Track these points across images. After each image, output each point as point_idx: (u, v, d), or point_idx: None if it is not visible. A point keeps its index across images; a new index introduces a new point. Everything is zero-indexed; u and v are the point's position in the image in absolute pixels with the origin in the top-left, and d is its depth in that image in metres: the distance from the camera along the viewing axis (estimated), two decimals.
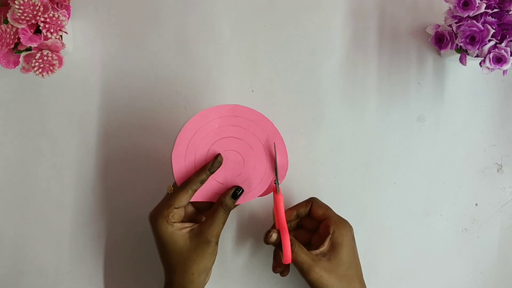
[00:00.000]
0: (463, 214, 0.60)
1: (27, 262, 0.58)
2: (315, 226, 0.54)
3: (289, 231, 0.54)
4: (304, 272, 0.49)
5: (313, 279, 0.48)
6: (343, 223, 0.52)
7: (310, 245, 0.53)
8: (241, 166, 0.51)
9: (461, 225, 0.60)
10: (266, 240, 0.50)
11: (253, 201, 0.57)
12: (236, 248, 0.59)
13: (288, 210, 0.54)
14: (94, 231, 0.58)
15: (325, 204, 0.54)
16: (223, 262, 0.58)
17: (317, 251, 0.50)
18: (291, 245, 0.49)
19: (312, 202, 0.54)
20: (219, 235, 0.49)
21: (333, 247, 0.50)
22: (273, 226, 0.52)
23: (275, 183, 0.51)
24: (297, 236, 0.54)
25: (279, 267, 0.53)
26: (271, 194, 0.53)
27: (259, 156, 0.51)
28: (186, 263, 0.48)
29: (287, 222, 0.53)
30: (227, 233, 0.58)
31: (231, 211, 0.51)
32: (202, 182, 0.50)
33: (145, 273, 0.58)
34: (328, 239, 0.51)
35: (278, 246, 0.50)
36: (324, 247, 0.50)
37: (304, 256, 0.49)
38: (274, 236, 0.50)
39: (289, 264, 0.52)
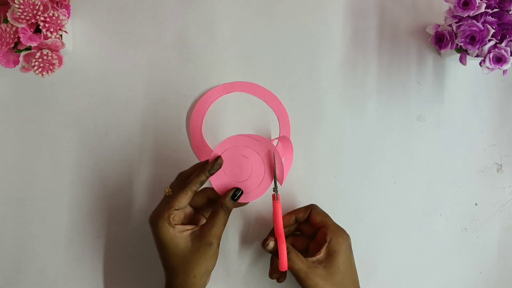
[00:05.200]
0: (462, 214, 0.60)
1: (26, 261, 0.58)
2: (313, 232, 0.54)
3: (288, 236, 0.55)
4: (300, 279, 0.49)
5: (309, 286, 0.49)
6: (341, 232, 0.52)
7: (307, 251, 0.54)
8: (243, 171, 0.52)
9: (461, 224, 0.60)
10: (264, 247, 0.51)
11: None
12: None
13: (287, 215, 0.54)
14: (94, 230, 0.58)
15: (324, 212, 0.54)
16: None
17: (314, 258, 0.50)
18: (288, 253, 0.49)
19: (311, 208, 0.54)
20: (221, 237, 0.49)
21: (330, 255, 0.51)
22: (272, 232, 0.52)
23: (274, 190, 0.51)
24: (295, 242, 0.55)
25: (276, 273, 0.53)
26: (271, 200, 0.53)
27: (259, 165, 0.52)
28: (188, 265, 0.48)
29: (286, 226, 0.54)
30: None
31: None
32: (202, 183, 0.50)
33: (145, 273, 0.58)
34: (324, 247, 0.51)
35: (275, 253, 0.51)
36: (321, 254, 0.51)
37: (300, 263, 0.49)
38: (271, 244, 0.51)
39: (285, 273, 0.52)
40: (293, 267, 0.49)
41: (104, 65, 0.60)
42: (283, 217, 0.54)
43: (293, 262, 0.49)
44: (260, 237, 0.58)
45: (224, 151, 0.51)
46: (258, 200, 0.58)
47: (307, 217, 0.54)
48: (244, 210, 0.58)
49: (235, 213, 0.58)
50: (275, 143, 0.59)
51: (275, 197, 0.51)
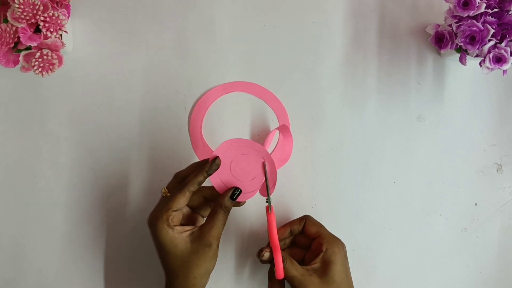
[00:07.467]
0: (462, 214, 0.60)
1: (26, 261, 0.58)
2: (308, 243, 0.54)
3: (284, 249, 0.55)
4: (295, 287, 0.49)
5: None
6: (336, 242, 0.52)
7: (303, 263, 0.54)
8: (243, 170, 0.51)
9: (461, 224, 0.60)
10: (259, 258, 0.51)
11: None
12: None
13: (282, 228, 0.54)
14: (94, 230, 0.58)
15: (318, 222, 0.54)
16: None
17: (309, 267, 0.51)
18: (283, 261, 0.49)
19: (305, 219, 0.54)
20: (220, 237, 0.49)
21: (325, 265, 0.51)
22: (268, 244, 0.52)
23: (266, 201, 0.51)
24: (291, 253, 0.54)
25: (274, 286, 0.53)
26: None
27: (258, 164, 0.51)
28: (188, 267, 0.48)
29: (281, 240, 0.54)
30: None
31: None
32: (200, 184, 0.50)
33: (144, 273, 0.58)
34: (320, 257, 0.51)
35: (271, 263, 0.51)
36: (316, 264, 0.51)
37: (294, 271, 0.49)
38: (266, 254, 0.51)
39: (284, 283, 0.53)
40: (288, 275, 0.49)
41: (104, 65, 0.60)
42: (278, 230, 0.54)
43: (287, 269, 0.49)
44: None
45: (225, 151, 0.51)
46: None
47: (301, 229, 0.54)
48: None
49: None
50: (275, 134, 0.59)
51: (268, 209, 0.51)
